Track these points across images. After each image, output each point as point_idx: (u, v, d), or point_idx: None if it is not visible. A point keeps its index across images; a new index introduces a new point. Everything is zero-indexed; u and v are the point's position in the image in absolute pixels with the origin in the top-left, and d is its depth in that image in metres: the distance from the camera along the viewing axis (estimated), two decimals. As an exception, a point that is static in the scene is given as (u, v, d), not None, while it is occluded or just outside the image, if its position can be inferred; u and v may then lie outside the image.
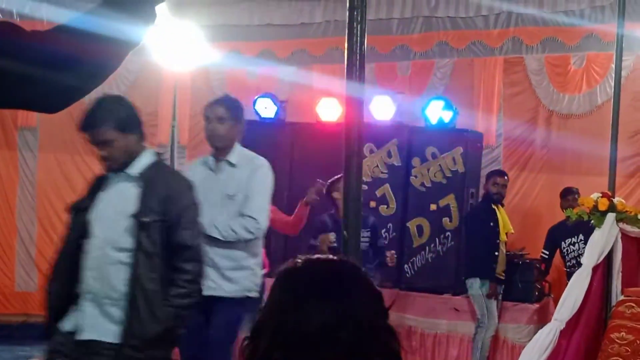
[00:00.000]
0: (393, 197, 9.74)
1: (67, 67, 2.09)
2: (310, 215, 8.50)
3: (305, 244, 8.18)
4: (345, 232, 3.52)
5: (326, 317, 2.01)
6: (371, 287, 2.16)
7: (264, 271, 8.29)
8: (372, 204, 9.45)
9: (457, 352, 9.38)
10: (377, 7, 10.45)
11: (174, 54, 10.55)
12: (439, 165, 9.63)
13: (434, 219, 9.62)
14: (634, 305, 6.94)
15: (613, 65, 8.03)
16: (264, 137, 10.14)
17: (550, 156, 10.91)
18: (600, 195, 7.27)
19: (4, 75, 2.03)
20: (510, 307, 9.27)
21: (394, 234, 9.51)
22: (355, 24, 3.47)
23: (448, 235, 9.58)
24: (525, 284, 9.31)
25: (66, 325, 4.67)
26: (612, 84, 7.97)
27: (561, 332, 7.09)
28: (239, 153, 6.11)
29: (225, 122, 6.03)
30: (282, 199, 9.78)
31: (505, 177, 9.43)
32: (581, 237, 9.06)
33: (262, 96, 10.53)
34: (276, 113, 10.41)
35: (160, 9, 2.28)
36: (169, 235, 4.62)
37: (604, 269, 7.21)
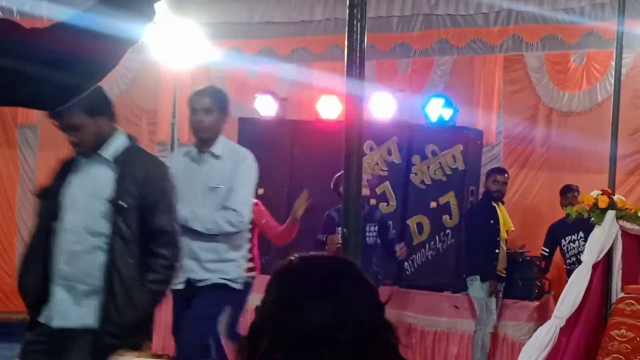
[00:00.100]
0: (393, 195, 9.74)
1: (66, 65, 2.09)
2: (317, 210, 8.52)
3: (306, 237, 8.18)
4: (345, 230, 3.53)
5: (326, 316, 2.01)
6: (368, 284, 2.16)
7: (254, 274, 8.31)
8: (372, 201, 9.44)
9: (457, 349, 9.38)
10: (377, 4, 10.46)
11: (174, 51, 10.56)
12: (439, 162, 9.62)
13: (434, 217, 9.61)
14: (634, 302, 6.95)
15: (613, 63, 8.03)
16: (264, 135, 10.16)
17: (550, 154, 10.91)
18: (600, 192, 7.28)
19: (3, 73, 2.04)
20: (510, 305, 9.27)
21: (394, 231, 9.49)
22: (355, 21, 3.47)
23: (448, 232, 9.58)
24: (525, 282, 9.30)
25: (43, 314, 4.59)
26: (612, 82, 7.98)
27: (561, 329, 7.10)
28: (223, 145, 6.03)
29: (212, 113, 5.95)
30: (282, 196, 9.81)
31: (506, 175, 9.42)
32: (581, 234, 9.06)
33: (262, 94, 10.52)
34: (276, 111, 10.40)
35: (160, 7, 2.28)
36: (146, 219, 4.52)
37: (604, 266, 7.21)
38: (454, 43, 10.55)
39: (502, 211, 9.21)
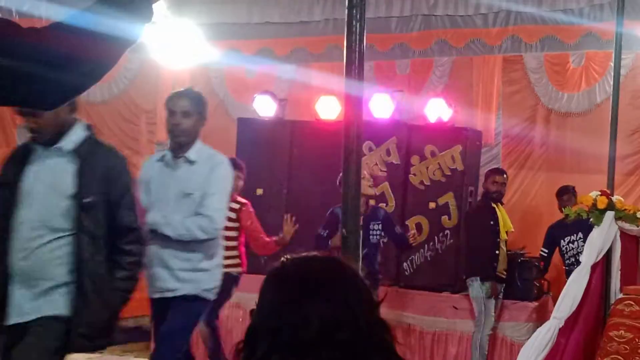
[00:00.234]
0: (392, 195, 9.74)
1: (65, 65, 2.09)
2: (317, 210, 8.55)
3: (305, 236, 8.20)
4: (344, 230, 3.53)
5: (324, 318, 2.01)
6: (362, 283, 2.16)
7: (241, 270, 8.36)
8: (372, 201, 9.45)
9: (456, 350, 9.38)
10: (376, 5, 10.45)
11: (173, 52, 10.56)
12: (438, 163, 9.62)
13: (433, 217, 9.61)
14: (632, 303, 6.94)
15: (612, 64, 8.04)
16: (263, 135, 10.16)
17: (549, 154, 10.92)
18: (599, 193, 7.28)
19: (1, 73, 2.03)
20: (509, 305, 9.26)
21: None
22: (354, 22, 3.47)
23: (447, 233, 9.58)
24: (524, 282, 9.31)
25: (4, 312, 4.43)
26: (611, 83, 7.98)
27: (560, 330, 7.10)
28: (198, 150, 5.84)
29: (190, 116, 5.79)
30: (280, 196, 9.81)
31: (504, 175, 9.42)
32: (580, 235, 9.06)
33: (261, 94, 10.52)
34: (275, 111, 10.40)
35: (159, 7, 2.28)
36: (111, 216, 4.39)
37: (602, 267, 7.22)
38: (453, 44, 10.55)
39: (501, 212, 9.20)
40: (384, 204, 9.60)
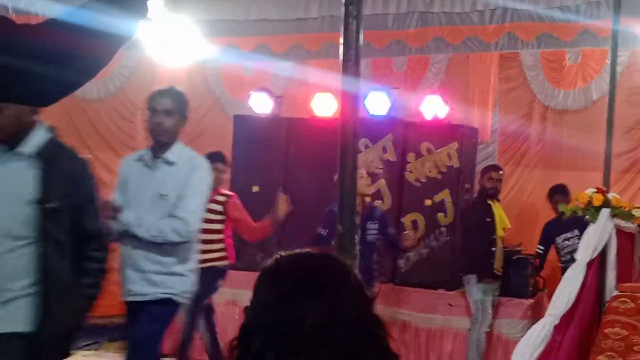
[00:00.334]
0: (388, 192, 9.74)
1: (59, 61, 2.09)
2: (313, 206, 8.55)
3: (303, 234, 8.21)
4: (340, 227, 3.53)
5: (319, 315, 2.01)
6: (356, 279, 2.16)
7: (228, 262, 8.39)
8: (367, 199, 9.45)
9: (451, 347, 9.39)
10: (372, 2, 10.45)
11: (170, 49, 10.56)
12: (434, 160, 9.63)
13: (429, 214, 9.62)
14: (628, 300, 6.95)
15: (608, 61, 8.05)
16: (260, 133, 10.17)
17: (545, 152, 10.92)
18: (595, 190, 7.29)
19: None
20: (505, 303, 9.27)
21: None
22: (351, 19, 3.47)
23: (443, 230, 9.58)
24: (520, 279, 9.32)
25: None
26: (607, 80, 7.99)
27: (555, 327, 7.10)
28: (178, 151, 5.71)
29: (172, 115, 5.64)
30: (276, 194, 9.80)
31: (500, 172, 9.42)
32: (576, 232, 9.06)
33: (258, 91, 10.51)
34: (272, 108, 10.40)
35: (155, 4, 2.29)
36: (75, 221, 4.22)
37: (598, 264, 7.22)
38: (449, 41, 10.55)
39: (497, 209, 9.21)
40: (380, 201, 9.60)
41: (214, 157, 8.54)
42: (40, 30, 2.11)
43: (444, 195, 9.57)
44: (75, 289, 4.23)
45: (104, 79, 12.10)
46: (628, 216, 7.30)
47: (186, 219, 5.46)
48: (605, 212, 7.19)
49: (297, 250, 2.19)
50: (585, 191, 7.37)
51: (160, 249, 5.52)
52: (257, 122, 10.32)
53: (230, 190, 9.85)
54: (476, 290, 8.97)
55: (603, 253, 7.23)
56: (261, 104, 10.40)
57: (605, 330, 6.89)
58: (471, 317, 9.08)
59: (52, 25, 2.12)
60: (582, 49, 10.40)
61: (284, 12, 11.11)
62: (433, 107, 9.77)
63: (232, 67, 11.64)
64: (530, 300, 9.30)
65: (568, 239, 9.47)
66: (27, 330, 4.13)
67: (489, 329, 9.08)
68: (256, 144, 10.09)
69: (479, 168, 9.91)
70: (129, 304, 5.68)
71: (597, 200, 7.19)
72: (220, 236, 8.31)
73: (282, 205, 8.08)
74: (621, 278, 7.28)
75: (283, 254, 2.17)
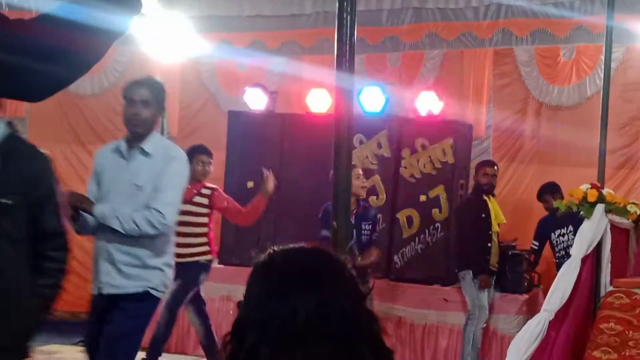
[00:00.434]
0: (383, 188, 9.75)
1: (52, 56, 2.08)
2: (308, 203, 8.56)
3: (302, 233, 8.19)
4: (334, 223, 3.53)
5: (312, 309, 2.00)
6: (349, 274, 2.16)
7: (210, 257, 8.40)
8: (362, 196, 9.46)
9: (446, 342, 9.39)
10: (367, -2, 10.45)
11: (164, 44, 10.53)
12: (429, 156, 9.63)
13: (424, 210, 9.62)
14: (622, 296, 6.96)
15: (602, 57, 8.05)
16: (254, 128, 10.15)
17: (539, 147, 10.92)
18: (590, 186, 7.30)
19: None
20: (500, 298, 9.28)
21: (384, 225, 9.50)
22: (345, 15, 3.47)
23: (438, 226, 9.58)
24: (515, 275, 9.32)
25: None
26: (602, 76, 7.99)
27: (550, 322, 7.12)
28: (155, 141, 5.58)
29: (149, 106, 5.51)
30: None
31: (495, 167, 9.41)
32: (570, 228, 9.08)
33: (252, 87, 10.50)
34: (266, 104, 10.39)
35: (150, 0, 2.28)
36: (33, 219, 4.03)
37: (593, 260, 7.23)
38: (443, 37, 10.55)
39: (493, 204, 9.20)
40: (375, 197, 9.61)
41: (198, 150, 8.56)
42: (33, 26, 2.10)
43: (439, 191, 9.57)
44: (31, 288, 4.03)
45: (97, 74, 12.07)
46: (622, 212, 7.31)
47: (162, 211, 5.34)
48: (599, 208, 7.20)
49: (291, 245, 2.19)
50: (579, 187, 7.38)
51: (136, 242, 5.39)
52: (251, 118, 10.31)
53: (225, 185, 9.86)
54: (471, 286, 8.97)
55: (598, 249, 7.24)
56: (255, 100, 10.39)
57: (601, 326, 6.90)
58: (466, 312, 9.08)
59: (45, 20, 2.12)
60: (576, 45, 10.40)
61: (278, 8, 11.10)
62: (427, 103, 9.76)
63: (227, 63, 11.62)
64: (526, 296, 9.31)
65: (562, 235, 9.48)
66: None
67: (485, 325, 9.07)
68: (251, 140, 10.08)
69: (473, 164, 9.90)
70: (100, 298, 5.48)
71: (592, 196, 7.20)
72: (204, 230, 8.32)
73: (269, 181, 8.11)
74: (616, 274, 7.29)
75: (276, 248, 2.16)
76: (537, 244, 9.79)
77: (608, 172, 8.19)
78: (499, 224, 9.22)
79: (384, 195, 9.73)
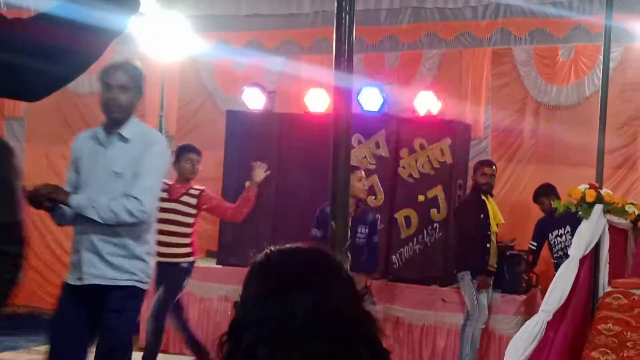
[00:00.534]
0: (381, 188, 9.74)
1: (50, 56, 2.08)
2: (306, 203, 8.55)
3: (300, 234, 8.18)
4: (333, 223, 3.52)
5: (309, 309, 2.00)
6: (345, 273, 2.15)
7: (193, 259, 8.35)
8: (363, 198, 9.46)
9: (444, 343, 9.39)
10: (365, -3, 10.44)
11: (162, 44, 10.53)
12: (427, 156, 9.62)
13: (422, 210, 9.62)
14: (620, 296, 6.96)
15: (601, 57, 8.04)
16: (252, 128, 10.15)
17: (538, 147, 10.92)
18: (588, 186, 7.29)
19: None
20: (498, 299, 9.27)
21: (382, 225, 9.49)
22: (343, 14, 3.47)
23: (436, 226, 9.58)
24: (513, 275, 9.32)
25: None
26: (600, 76, 7.99)
27: (548, 323, 7.11)
28: (133, 127, 5.41)
29: (128, 90, 5.35)
30: (270, 189, 9.80)
31: (493, 167, 9.39)
32: (568, 228, 9.08)
33: (250, 87, 10.50)
34: (264, 104, 10.38)
35: (148, -1, 2.28)
36: None
37: (591, 260, 7.23)
38: (442, 36, 10.54)
39: (491, 204, 9.19)
40: (373, 197, 9.60)
41: (187, 149, 8.55)
42: (31, 25, 2.10)
43: (437, 191, 9.57)
44: None
45: (96, 73, 12.05)
46: (621, 212, 7.30)
47: (140, 199, 5.19)
48: (598, 208, 7.20)
49: (287, 245, 2.18)
50: (578, 187, 7.38)
51: (117, 231, 5.25)
52: (249, 118, 10.31)
53: (223, 185, 9.86)
54: (470, 287, 8.95)
55: (596, 249, 7.24)
56: (254, 100, 10.39)
57: (599, 327, 6.90)
58: (464, 313, 9.07)
59: (44, 19, 2.11)
60: (575, 44, 10.40)
61: (276, 7, 11.09)
62: (426, 102, 9.76)
63: (225, 62, 11.62)
64: (524, 296, 9.31)
65: (560, 236, 9.48)
66: None
67: (484, 326, 9.06)
68: (249, 140, 10.07)
69: (472, 164, 9.89)
70: (80, 289, 5.30)
71: (590, 196, 7.20)
72: (189, 230, 8.26)
73: (258, 171, 8.17)
74: (614, 274, 7.29)
75: (273, 248, 2.16)
76: (535, 244, 9.79)
77: (606, 172, 8.19)
78: (497, 224, 9.21)
79: (382, 195, 9.73)
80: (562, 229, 9.38)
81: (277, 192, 9.87)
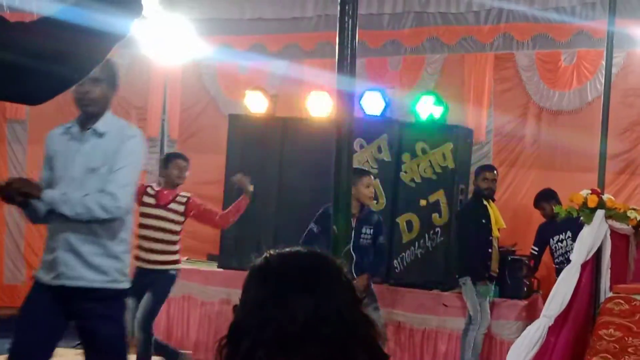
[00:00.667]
0: (383, 193, 9.73)
1: (53, 59, 2.08)
2: (308, 207, 8.56)
3: (291, 231, 8.20)
4: (334, 227, 3.52)
5: (308, 312, 2.00)
6: (346, 278, 2.16)
7: (180, 266, 8.32)
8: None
9: (445, 347, 9.38)
10: (368, 1, 10.46)
11: (165, 47, 10.54)
12: (429, 160, 9.62)
13: (424, 215, 9.61)
14: (622, 302, 6.95)
15: (603, 62, 8.04)
16: (255, 132, 10.15)
17: (540, 152, 10.92)
18: (590, 192, 7.28)
19: None
20: (499, 304, 9.26)
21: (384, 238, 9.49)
22: (346, 18, 3.47)
23: (437, 231, 9.57)
24: (515, 281, 9.31)
25: None
26: (602, 81, 7.99)
27: (550, 328, 7.10)
28: (109, 121, 5.23)
29: (100, 83, 5.16)
30: (271, 193, 9.80)
31: (495, 172, 9.39)
32: (569, 234, 9.07)
33: (253, 90, 10.50)
34: (267, 107, 10.38)
35: (151, 2, 2.28)
36: None
37: (592, 265, 7.22)
38: (444, 41, 10.56)
39: (493, 209, 9.18)
40: (375, 201, 9.60)
41: (175, 155, 8.57)
42: (34, 28, 2.10)
43: (439, 196, 9.56)
44: None
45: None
46: (622, 217, 7.29)
47: (115, 194, 5.00)
48: (599, 214, 7.18)
49: (287, 249, 2.18)
50: (580, 192, 7.37)
51: (93, 228, 5.07)
52: (252, 121, 10.31)
53: (225, 189, 9.86)
54: (472, 292, 8.94)
55: (597, 255, 7.22)
56: (256, 103, 10.39)
57: (600, 332, 6.89)
58: (466, 318, 9.06)
59: (47, 23, 2.11)
60: (577, 50, 10.41)
61: (279, 11, 11.11)
62: (428, 107, 9.76)
63: (227, 66, 11.63)
64: (525, 302, 9.29)
65: (561, 241, 9.47)
66: None
67: (486, 331, 9.05)
68: (251, 143, 10.08)
69: (474, 169, 9.89)
70: (53, 289, 5.12)
71: (592, 201, 7.19)
72: (176, 237, 8.20)
73: (246, 182, 8.36)
74: (616, 279, 7.28)
75: (272, 252, 2.16)
76: (536, 249, 9.79)
77: (608, 177, 8.18)
78: (499, 229, 9.20)
79: (384, 199, 9.72)
80: (564, 234, 9.38)
81: (278, 195, 9.87)
